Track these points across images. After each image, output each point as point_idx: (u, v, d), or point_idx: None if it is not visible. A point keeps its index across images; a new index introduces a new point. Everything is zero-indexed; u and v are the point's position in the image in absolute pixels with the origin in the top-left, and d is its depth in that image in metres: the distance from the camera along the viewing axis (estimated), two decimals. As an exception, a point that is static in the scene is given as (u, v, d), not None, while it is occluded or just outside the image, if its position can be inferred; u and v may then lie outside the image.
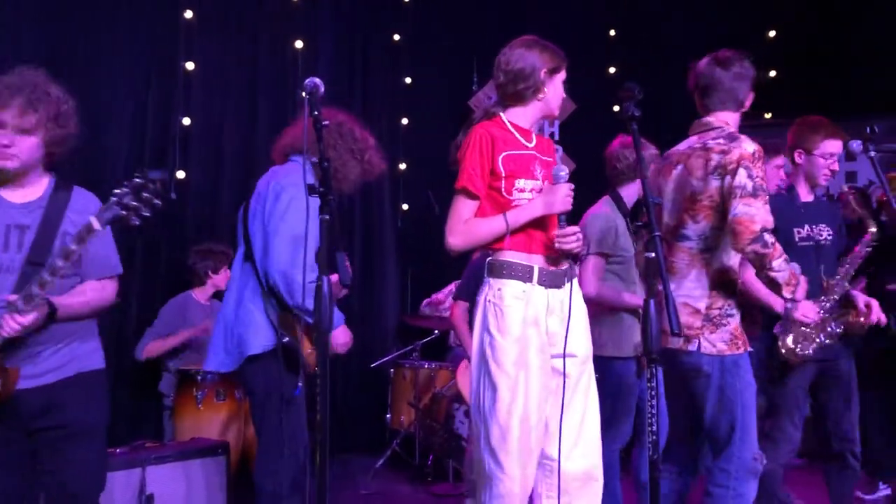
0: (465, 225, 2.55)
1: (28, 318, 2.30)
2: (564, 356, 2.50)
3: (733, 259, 2.84)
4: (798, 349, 3.35)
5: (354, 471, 5.29)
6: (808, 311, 3.26)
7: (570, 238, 2.46)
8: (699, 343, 2.78)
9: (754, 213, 2.64)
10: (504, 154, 2.53)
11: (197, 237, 5.12)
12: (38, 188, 2.50)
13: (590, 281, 3.49)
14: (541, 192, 2.55)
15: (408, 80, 6.53)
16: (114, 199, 2.29)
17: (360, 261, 6.24)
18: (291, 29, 5.87)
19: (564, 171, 2.50)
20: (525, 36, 2.67)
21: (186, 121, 5.27)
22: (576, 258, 2.59)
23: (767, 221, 2.68)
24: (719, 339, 2.77)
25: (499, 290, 2.52)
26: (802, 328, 3.34)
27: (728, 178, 2.71)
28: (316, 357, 2.04)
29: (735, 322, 2.82)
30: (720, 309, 2.79)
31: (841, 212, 3.50)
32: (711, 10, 6.81)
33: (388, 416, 5.44)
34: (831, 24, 6.65)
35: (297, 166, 2.99)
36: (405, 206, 6.55)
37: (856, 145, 2.97)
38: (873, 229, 3.22)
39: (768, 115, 6.86)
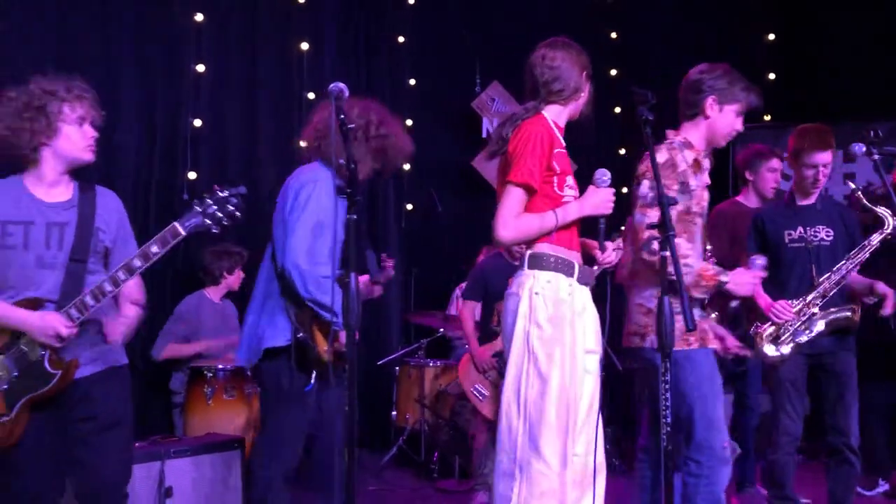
0: (518, 220, 2.58)
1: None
2: (593, 353, 2.64)
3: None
4: (765, 349, 3.50)
5: (361, 467, 5.36)
6: (780, 311, 3.45)
7: (612, 254, 2.64)
8: (651, 340, 2.93)
9: (646, 222, 2.77)
10: (557, 151, 2.62)
11: (206, 236, 5.19)
12: (66, 189, 2.60)
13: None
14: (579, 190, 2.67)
15: (412, 81, 6.60)
16: (197, 208, 2.45)
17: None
18: (296, 31, 5.93)
19: (607, 176, 2.60)
20: (559, 37, 2.75)
21: (197, 122, 5.35)
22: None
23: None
24: None
25: (548, 282, 2.57)
26: (782, 327, 3.48)
27: (637, 187, 2.89)
28: (345, 352, 2.11)
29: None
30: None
31: (854, 213, 3.57)
32: (711, 14, 6.92)
33: (393, 413, 5.51)
34: (830, 27, 6.75)
35: (319, 164, 3.01)
36: (409, 206, 6.62)
37: (858, 148, 3.06)
38: (888, 227, 3.30)
39: (767, 118, 6.96)
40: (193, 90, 5.37)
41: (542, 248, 2.61)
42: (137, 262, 2.45)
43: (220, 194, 2.45)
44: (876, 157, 2.89)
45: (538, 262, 2.60)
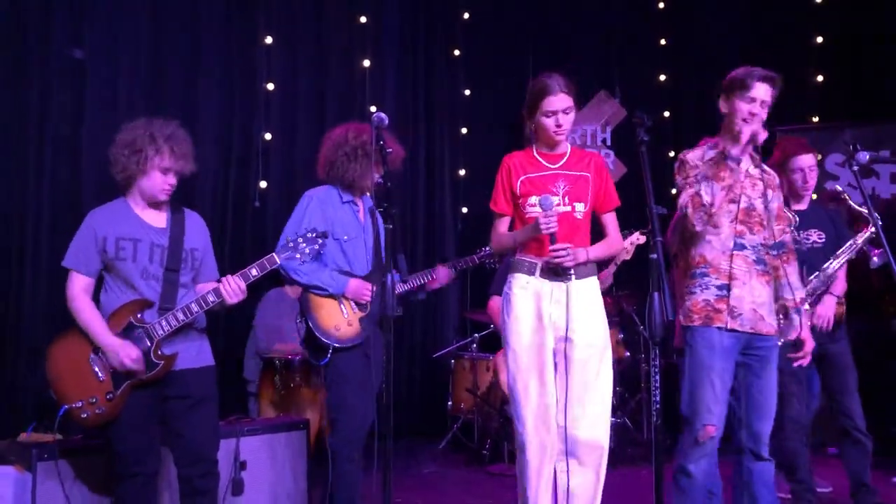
0: (497, 237, 3.31)
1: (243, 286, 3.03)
2: (566, 340, 3.07)
3: None
4: None
5: (418, 453, 5.76)
6: None
7: (560, 254, 3.02)
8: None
9: None
10: (523, 177, 3.17)
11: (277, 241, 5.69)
12: (164, 213, 3.10)
13: None
14: (558, 205, 3.11)
15: (467, 91, 7.01)
16: (291, 244, 3.09)
17: (423, 259, 6.74)
18: (359, 49, 6.41)
19: (548, 202, 3.02)
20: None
21: (268, 136, 5.86)
22: (566, 270, 3.08)
23: None
24: None
25: (511, 282, 3.18)
26: None
27: None
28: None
29: None
30: None
31: (841, 215, 3.84)
32: (760, 19, 7.08)
33: (448, 403, 5.91)
34: (877, 29, 6.82)
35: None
36: (464, 209, 7.03)
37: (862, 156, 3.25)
38: (872, 227, 3.55)
39: (815, 119, 7.09)
40: (265, 106, 5.89)
41: (515, 256, 3.23)
42: (211, 297, 2.99)
43: (309, 235, 3.09)
44: (855, 167, 3.11)
45: (510, 267, 3.25)
